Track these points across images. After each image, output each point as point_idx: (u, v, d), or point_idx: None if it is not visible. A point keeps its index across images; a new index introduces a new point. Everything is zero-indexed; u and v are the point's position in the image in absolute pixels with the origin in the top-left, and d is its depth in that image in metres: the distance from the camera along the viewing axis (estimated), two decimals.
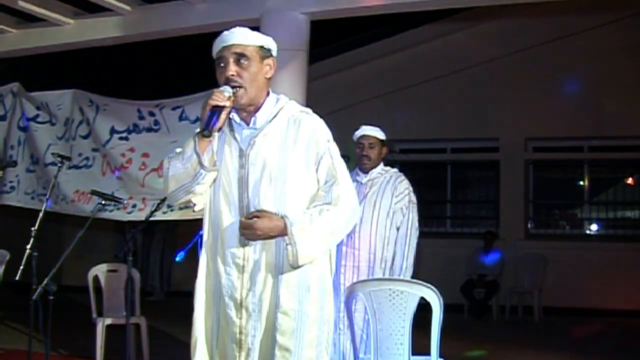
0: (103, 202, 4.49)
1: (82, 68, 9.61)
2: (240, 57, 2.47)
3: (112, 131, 5.78)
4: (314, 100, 5.90)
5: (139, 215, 5.47)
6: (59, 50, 6.60)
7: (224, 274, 2.52)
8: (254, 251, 2.49)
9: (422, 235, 4.45)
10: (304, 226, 2.42)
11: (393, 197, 4.30)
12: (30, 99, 6.23)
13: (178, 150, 2.60)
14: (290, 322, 2.46)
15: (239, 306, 2.49)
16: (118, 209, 5.52)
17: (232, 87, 2.45)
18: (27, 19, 6.38)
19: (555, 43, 9.63)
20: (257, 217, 2.43)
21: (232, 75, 2.46)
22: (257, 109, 2.54)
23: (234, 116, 2.57)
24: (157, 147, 5.54)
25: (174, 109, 5.55)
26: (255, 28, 5.54)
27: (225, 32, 2.50)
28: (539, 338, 7.79)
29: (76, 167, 5.86)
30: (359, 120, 4.62)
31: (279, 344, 2.44)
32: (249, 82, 2.48)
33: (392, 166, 4.64)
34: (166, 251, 11.23)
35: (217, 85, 5.49)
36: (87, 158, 5.89)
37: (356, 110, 9.78)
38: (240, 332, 2.49)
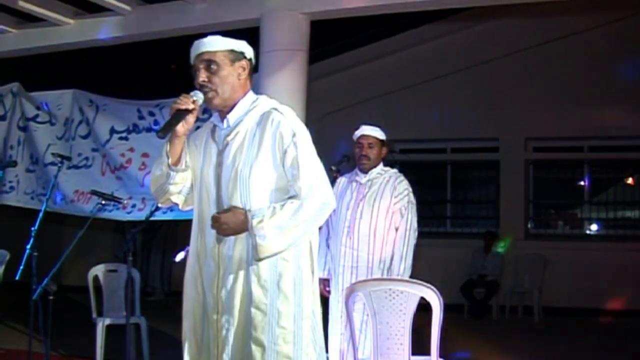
0: (103, 202, 4.49)
1: (82, 68, 9.61)
2: (209, 63, 2.59)
3: (112, 131, 5.78)
4: (314, 100, 5.91)
5: (139, 215, 5.47)
6: (59, 50, 6.60)
7: (205, 268, 2.62)
8: (228, 247, 2.56)
9: (422, 235, 4.45)
10: (264, 218, 2.46)
11: (392, 197, 4.29)
12: (30, 99, 6.23)
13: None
14: (262, 317, 2.50)
15: (216, 302, 2.57)
16: (117, 208, 5.52)
17: (204, 93, 2.58)
18: (27, 19, 6.37)
19: (555, 43, 9.62)
20: (226, 212, 2.52)
21: (203, 81, 2.59)
22: (230, 109, 2.64)
23: (215, 119, 2.70)
24: (157, 147, 5.49)
25: None
26: (255, 28, 5.54)
27: (196, 42, 2.63)
28: (539, 338, 7.78)
29: (76, 167, 5.86)
30: (359, 120, 4.62)
31: (253, 338, 2.50)
32: (220, 85, 2.59)
33: (392, 166, 4.64)
34: (167, 251, 11.23)
35: None
36: (86, 158, 5.89)
37: (356, 110, 9.78)
38: (217, 327, 2.56)
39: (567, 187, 10.76)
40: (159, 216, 5.17)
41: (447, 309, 3.57)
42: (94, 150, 5.89)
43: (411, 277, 4.11)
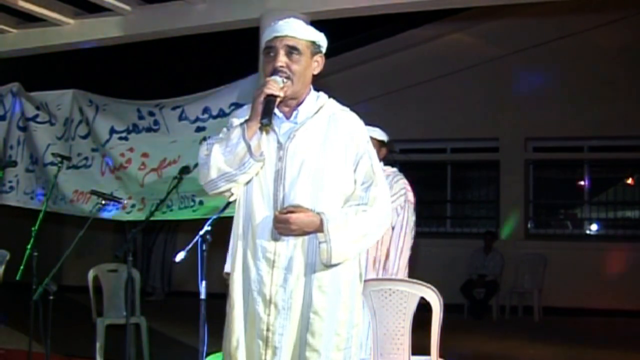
0: (103, 202, 4.49)
1: (82, 68, 9.62)
2: (292, 49, 2.46)
3: (112, 131, 5.78)
4: None
5: (138, 215, 5.47)
6: (59, 50, 6.60)
7: (253, 267, 2.48)
8: (287, 247, 2.44)
9: (422, 235, 4.45)
10: (340, 224, 2.40)
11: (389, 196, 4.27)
12: (29, 99, 6.23)
13: (220, 136, 2.53)
14: (321, 323, 2.43)
15: (268, 302, 2.44)
16: (117, 209, 5.52)
17: (281, 76, 2.43)
18: (27, 19, 6.37)
19: (555, 43, 9.63)
20: (293, 212, 2.39)
21: (282, 66, 2.44)
22: (300, 103, 2.54)
23: (279, 111, 2.54)
24: (156, 147, 5.54)
25: (173, 108, 5.55)
26: (255, 28, 5.54)
27: (280, 22, 2.49)
28: (539, 338, 7.78)
29: (75, 167, 5.86)
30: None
31: (308, 345, 2.42)
32: (297, 75, 2.46)
33: (392, 166, 4.62)
34: (167, 251, 11.23)
35: (213, 86, 5.48)
36: (86, 158, 5.89)
37: (356, 110, 9.70)
38: (268, 329, 2.44)
39: (567, 187, 10.77)
40: (158, 216, 5.17)
41: (447, 309, 3.57)
42: (93, 150, 5.89)
43: (411, 277, 4.10)
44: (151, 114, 5.63)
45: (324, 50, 2.57)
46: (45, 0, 5.97)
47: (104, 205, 4.71)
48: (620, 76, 9.42)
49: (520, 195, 10.13)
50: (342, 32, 9.32)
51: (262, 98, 2.38)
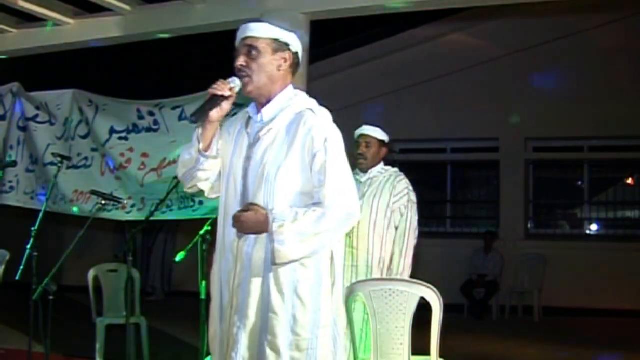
0: (102, 202, 4.49)
1: (82, 68, 9.62)
2: (250, 49, 2.54)
3: (112, 131, 5.78)
4: None
5: (138, 215, 5.47)
6: (59, 50, 6.60)
7: (223, 261, 2.57)
8: (248, 244, 2.50)
9: (422, 235, 4.44)
10: (285, 223, 2.40)
11: (391, 196, 4.28)
12: (29, 99, 6.23)
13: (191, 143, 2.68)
14: (278, 323, 2.43)
15: (232, 296, 2.52)
16: (117, 209, 5.52)
17: (240, 77, 2.53)
18: (27, 19, 6.37)
19: (555, 43, 9.63)
20: (247, 210, 2.45)
21: (241, 65, 2.55)
22: (266, 103, 2.58)
23: (251, 110, 2.64)
24: (156, 147, 5.54)
25: (173, 108, 5.55)
26: None
27: (243, 25, 2.58)
28: (539, 338, 7.78)
29: (75, 167, 5.86)
30: (359, 120, 4.62)
31: (269, 342, 2.43)
32: (256, 72, 2.54)
33: (393, 166, 4.63)
34: (167, 251, 11.24)
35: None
36: (86, 158, 5.89)
37: (356, 110, 9.77)
38: (229, 323, 2.52)
39: (567, 187, 10.77)
40: (159, 216, 5.17)
41: (447, 309, 3.57)
42: (93, 150, 5.88)
43: (411, 277, 4.11)
44: (151, 114, 5.63)
45: (293, 48, 2.60)
46: (45, 0, 5.97)
47: (104, 205, 4.71)
48: (620, 76, 9.42)
49: (520, 195, 10.13)
50: (342, 32, 9.33)
51: (208, 97, 2.54)
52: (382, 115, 8.65)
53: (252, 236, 2.49)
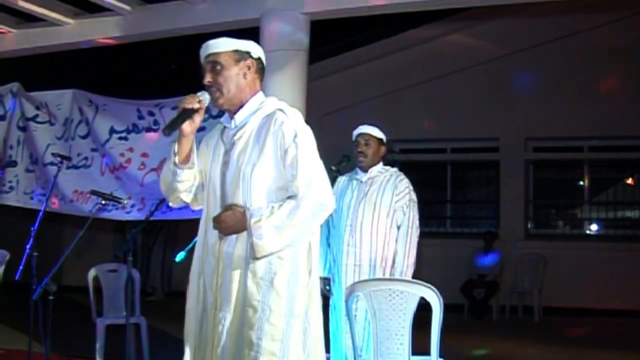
0: (102, 202, 4.49)
1: (82, 68, 9.61)
2: (213, 64, 2.66)
3: (112, 131, 5.78)
4: (314, 100, 5.90)
5: (138, 215, 5.47)
6: (59, 50, 6.60)
7: (206, 265, 2.67)
8: (229, 245, 2.60)
9: (422, 235, 4.45)
10: (262, 218, 2.50)
11: (393, 195, 4.30)
12: (29, 99, 6.23)
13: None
14: (254, 313, 2.53)
15: (215, 298, 2.61)
16: (117, 209, 5.52)
17: (210, 93, 2.66)
18: (27, 19, 6.37)
19: (555, 43, 9.62)
20: (227, 210, 2.57)
21: (208, 81, 2.67)
22: (238, 110, 2.69)
23: (224, 120, 2.77)
24: (156, 147, 5.54)
25: (173, 108, 5.54)
26: (255, 28, 5.54)
27: (203, 44, 2.70)
28: (539, 338, 7.78)
29: (75, 167, 5.86)
30: (359, 120, 4.62)
31: (244, 334, 2.53)
32: (224, 85, 2.65)
33: (392, 166, 4.64)
34: (167, 251, 11.23)
35: None
36: (86, 158, 5.89)
37: (356, 110, 9.78)
38: (214, 323, 2.60)
39: (567, 187, 10.77)
40: (158, 216, 5.17)
41: (447, 309, 3.57)
42: (93, 150, 5.88)
43: (412, 277, 4.12)
44: (151, 113, 5.63)
45: (254, 54, 2.71)
46: (45, 0, 5.97)
47: (104, 205, 4.71)
48: (620, 76, 9.42)
49: (520, 195, 10.13)
50: (342, 32, 9.33)
51: (178, 111, 2.65)
52: (382, 115, 8.65)
53: (233, 236, 2.59)
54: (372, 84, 10.23)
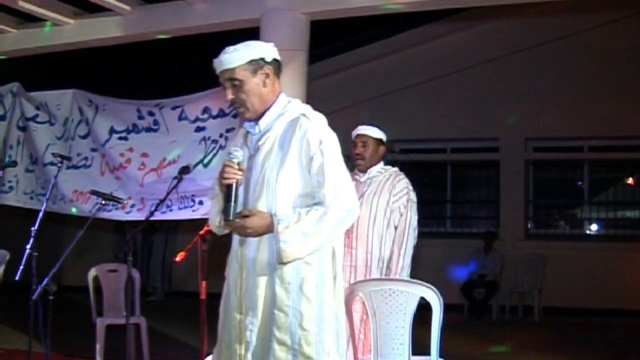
0: (102, 202, 4.49)
1: (82, 68, 9.61)
2: (232, 81, 2.63)
3: (111, 131, 5.78)
4: (314, 100, 5.90)
5: (138, 215, 5.47)
6: (59, 50, 6.60)
7: (231, 271, 2.69)
8: (252, 250, 2.62)
9: (422, 235, 4.44)
10: (289, 224, 2.52)
11: (391, 195, 4.26)
12: (29, 99, 6.23)
13: (215, 188, 2.79)
14: (285, 318, 2.55)
15: (240, 302, 2.63)
16: (117, 209, 5.52)
17: (234, 108, 2.69)
18: (27, 19, 6.37)
19: (555, 43, 9.63)
20: (248, 215, 2.57)
21: (232, 98, 2.65)
22: (261, 116, 2.67)
23: (247, 125, 2.74)
24: (156, 147, 5.54)
25: (173, 108, 5.55)
26: (255, 28, 5.53)
27: (215, 60, 2.65)
28: (539, 338, 7.78)
29: (75, 167, 5.86)
30: (359, 120, 4.61)
31: (277, 338, 2.55)
32: (247, 100, 2.64)
33: (393, 166, 4.62)
34: (167, 251, 11.23)
35: (213, 86, 5.44)
36: (85, 158, 5.89)
37: (356, 110, 9.77)
38: (240, 327, 2.61)
39: (567, 187, 10.77)
40: (158, 216, 5.17)
41: (447, 309, 3.57)
42: (93, 150, 5.89)
43: (411, 277, 4.10)
44: (151, 113, 5.63)
45: (268, 58, 2.66)
46: (45, 0, 5.97)
47: (104, 205, 4.71)
48: (621, 76, 9.41)
49: (520, 195, 10.13)
50: (342, 32, 9.33)
51: (222, 189, 2.64)
52: (382, 115, 8.65)
53: (255, 240, 2.60)
54: (372, 84, 10.23)
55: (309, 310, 2.56)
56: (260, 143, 2.66)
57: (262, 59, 2.64)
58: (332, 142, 2.62)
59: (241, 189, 2.65)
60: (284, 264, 2.54)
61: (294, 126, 2.62)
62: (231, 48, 2.65)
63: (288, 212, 2.56)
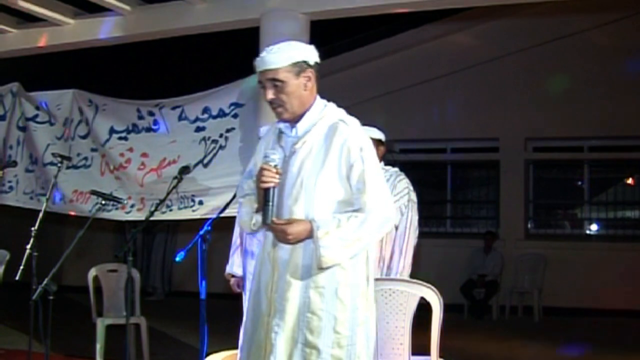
0: (102, 202, 4.49)
1: (82, 68, 9.61)
2: (274, 81, 2.60)
3: (111, 131, 5.78)
4: None
5: (138, 215, 5.47)
6: (59, 50, 6.60)
7: (263, 270, 2.69)
8: (285, 252, 2.62)
9: (422, 235, 4.44)
10: (329, 230, 2.53)
11: (392, 195, 4.27)
12: (29, 99, 6.23)
13: (247, 190, 2.80)
14: (319, 322, 2.56)
15: (269, 304, 2.63)
16: (117, 209, 5.52)
17: (273, 108, 2.65)
18: (27, 19, 6.37)
19: (555, 43, 9.63)
20: (289, 223, 2.56)
21: (272, 98, 2.63)
22: (300, 118, 2.67)
23: (281, 126, 2.74)
24: (156, 147, 5.54)
25: (173, 108, 5.55)
26: (255, 28, 5.53)
27: (258, 58, 2.63)
28: (539, 338, 7.78)
29: (75, 167, 5.86)
30: (360, 120, 4.60)
31: (307, 342, 2.56)
32: (288, 101, 2.63)
33: (393, 166, 4.61)
34: (167, 251, 11.24)
35: (213, 86, 5.45)
36: (85, 158, 5.89)
37: (356, 110, 9.70)
38: (267, 329, 2.62)
39: (567, 187, 10.77)
40: (158, 216, 5.17)
41: (447, 309, 3.57)
42: (93, 150, 5.89)
43: (411, 277, 4.10)
44: (151, 113, 5.63)
45: (312, 61, 2.66)
46: (45, 0, 5.97)
47: (104, 205, 4.71)
48: (621, 76, 9.41)
49: (520, 195, 10.13)
50: (342, 32, 9.33)
51: (261, 193, 2.62)
52: (382, 115, 8.64)
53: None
54: (372, 84, 10.23)
55: (342, 313, 2.57)
56: (297, 146, 2.65)
57: (306, 62, 2.65)
58: (371, 149, 2.65)
59: (275, 191, 2.63)
60: (324, 268, 2.55)
61: (333, 132, 2.64)
62: (275, 48, 2.63)
63: (325, 217, 2.56)
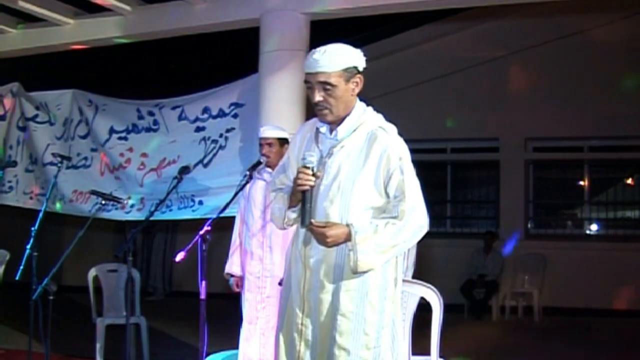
0: (102, 202, 4.49)
1: (82, 68, 9.61)
2: (325, 85, 2.62)
3: (111, 131, 5.78)
4: None
5: (137, 215, 5.48)
6: (59, 50, 6.60)
7: (294, 267, 2.73)
8: (318, 251, 2.65)
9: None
10: (367, 235, 2.56)
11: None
12: (29, 99, 6.23)
13: (277, 185, 2.84)
14: (348, 324, 2.60)
15: (302, 300, 2.67)
16: (116, 209, 5.53)
17: (319, 110, 2.65)
18: (27, 19, 6.37)
19: (555, 43, 9.62)
20: (328, 226, 2.58)
21: (319, 101, 2.63)
22: (341, 122, 2.69)
23: (320, 126, 2.75)
24: (156, 147, 5.54)
25: (173, 108, 5.56)
26: (255, 28, 5.53)
27: (311, 59, 2.64)
28: (539, 338, 7.78)
29: (74, 167, 5.87)
30: None
31: (337, 344, 2.60)
32: (335, 105, 2.64)
33: None
34: (167, 251, 11.23)
35: (213, 86, 5.44)
36: (85, 158, 5.90)
37: None
38: (301, 324, 2.67)
39: (567, 187, 10.76)
40: (158, 216, 5.17)
41: (447, 309, 3.57)
42: (93, 150, 5.89)
43: (412, 277, 4.11)
44: (151, 113, 5.63)
45: (361, 67, 2.70)
46: (45, 0, 5.97)
47: (104, 205, 4.71)
48: (620, 76, 9.41)
49: (520, 195, 10.13)
50: (342, 32, 9.31)
51: (297, 197, 2.64)
52: (382, 115, 8.62)
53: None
54: (372, 84, 10.16)
55: (372, 316, 2.61)
56: (335, 149, 2.67)
57: (356, 68, 2.68)
58: (409, 158, 2.69)
59: (312, 192, 2.66)
60: (359, 273, 2.58)
61: (373, 139, 2.66)
62: (327, 51, 2.66)
63: (360, 222, 2.58)
